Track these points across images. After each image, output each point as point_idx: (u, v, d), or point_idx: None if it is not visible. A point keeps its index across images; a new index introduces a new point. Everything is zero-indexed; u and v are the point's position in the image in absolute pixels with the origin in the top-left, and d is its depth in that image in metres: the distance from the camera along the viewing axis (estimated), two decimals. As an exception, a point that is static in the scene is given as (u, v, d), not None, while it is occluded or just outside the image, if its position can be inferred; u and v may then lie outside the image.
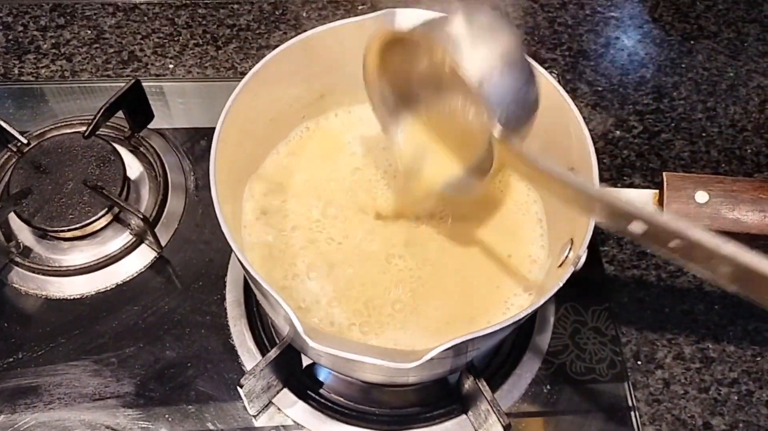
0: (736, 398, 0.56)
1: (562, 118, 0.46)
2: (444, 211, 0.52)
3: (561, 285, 0.39)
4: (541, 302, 0.39)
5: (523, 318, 0.38)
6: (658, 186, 0.42)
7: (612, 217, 0.36)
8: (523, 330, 0.57)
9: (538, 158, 0.39)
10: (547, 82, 0.46)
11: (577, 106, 0.69)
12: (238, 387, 0.48)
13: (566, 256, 0.43)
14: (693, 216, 0.40)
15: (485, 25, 0.39)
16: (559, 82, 0.70)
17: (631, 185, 0.65)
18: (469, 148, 0.44)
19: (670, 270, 0.61)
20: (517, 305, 0.49)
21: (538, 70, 0.47)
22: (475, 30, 0.39)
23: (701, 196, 0.40)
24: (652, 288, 0.61)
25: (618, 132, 0.68)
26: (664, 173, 0.41)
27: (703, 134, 0.69)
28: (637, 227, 0.34)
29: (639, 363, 0.57)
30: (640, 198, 0.42)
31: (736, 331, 0.59)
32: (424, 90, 0.46)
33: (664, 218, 0.33)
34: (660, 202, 0.41)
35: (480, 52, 0.38)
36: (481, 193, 0.52)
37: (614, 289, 0.60)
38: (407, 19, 0.48)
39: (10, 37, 0.71)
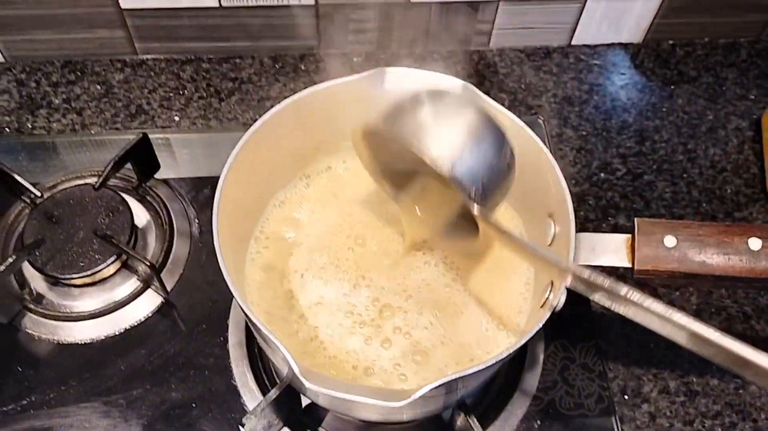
0: (720, 430, 0.58)
1: (541, 167, 0.49)
2: (435, 256, 0.55)
3: (540, 326, 0.42)
4: (522, 342, 0.41)
5: (505, 357, 0.41)
6: (632, 230, 0.45)
7: (581, 284, 0.40)
8: (514, 368, 0.60)
9: (513, 233, 0.42)
10: (525, 133, 0.50)
11: (563, 149, 0.73)
12: (240, 427, 0.50)
13: (547, 298, 0.46)
14: (662, 259, 0.42)
15: (448, 109, 0.42)
16: (545, 127, 0.74)
17: (615, 225, 0.68)
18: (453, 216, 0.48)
19: (654, 307, 0.64)
20: (505, 344, 0.51)
21: (524, 128, 0.50)
22: (439, 117, 0.42)
23: (670, 241, 0.43)
24: (638, 325, 0.63)
25: (602, 174, 0.72)
26: (636, 219, 0.44)
27: (684, 175, 0.72)
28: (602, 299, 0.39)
29: (626, 397, 0.59)
30: (614, 242, 0.45)
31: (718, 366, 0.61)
32: (410, 167, 0.49)
33: (624, 291, 0.38)
34: (632, 246, 0.44)
35: (445, 138, 0.41)
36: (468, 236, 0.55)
37: (601, 327, 0.63)
38: (396, 78, 0.52)
39: (24, 93, 0.75)
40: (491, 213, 0.44)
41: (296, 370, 0.38)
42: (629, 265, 0.44)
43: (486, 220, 0.42)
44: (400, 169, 0.51)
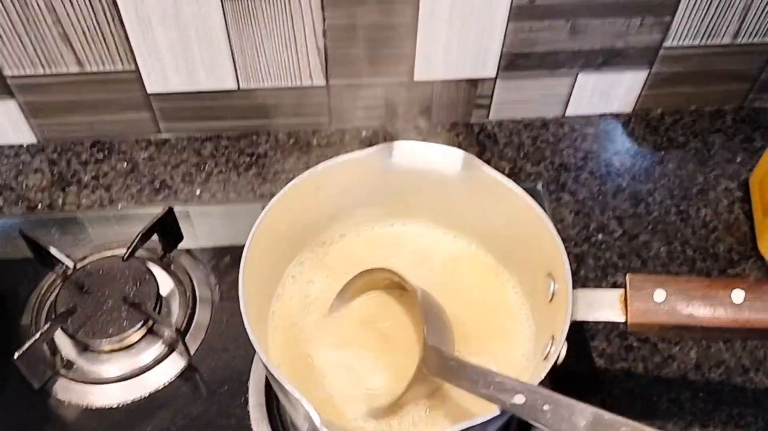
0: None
1: (539, 230, 0.53)
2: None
3: (542, 377, 0.45)
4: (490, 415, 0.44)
5: (500, 415, 0.44)
6: (624, 286, 0.48)
7: (501, 393, 0.44)
8: (522, 424, 0.62)
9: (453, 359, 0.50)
10: (524, 201, 0.54)
11: (561, 213, 0.77)
12: (263, 483, 0.53)
13: (549, 351, 0.49)
14: (653, 312, 0.46)
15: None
16: (543, 192, 0.78)
17: (615, 283, 0.72)
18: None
19: (656, 362, 0.67)
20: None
21: (521, 193, 0.55)
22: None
23: (659, 295, 0.46)
24: (640, 379, 0.66)
25: (600, 236, 0.76)
26: (627, 275, 0.48)
27: (678, 235, 0.76)
28: (518, 399, 0.43)
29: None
30: (609, 297, 0.49)
31: (721, 416, 0.63)
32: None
33: (536, 390, 0.43)
34: (625, 300, 0.47)
35: None
36: (472, 294, 0.60)
37: (605, 381, 0.65)
38: (403, 150, 0.57)
39: (55, 172, 0.81)
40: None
41: (316, 419, 0.41)
42: (623, 319, 0.47)
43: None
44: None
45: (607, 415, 0.40)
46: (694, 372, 0.66)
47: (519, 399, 0.43)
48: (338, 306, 0.59)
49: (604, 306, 0.48)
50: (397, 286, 0.58)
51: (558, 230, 0.75)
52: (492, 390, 0.44)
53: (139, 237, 0.67)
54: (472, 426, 0.43)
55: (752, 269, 0.74)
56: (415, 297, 0.52)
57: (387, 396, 0.53)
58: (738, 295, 0.45)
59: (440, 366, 0.49)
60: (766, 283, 0.45)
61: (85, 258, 0.71)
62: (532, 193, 0.78)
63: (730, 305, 0.45)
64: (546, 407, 0.42)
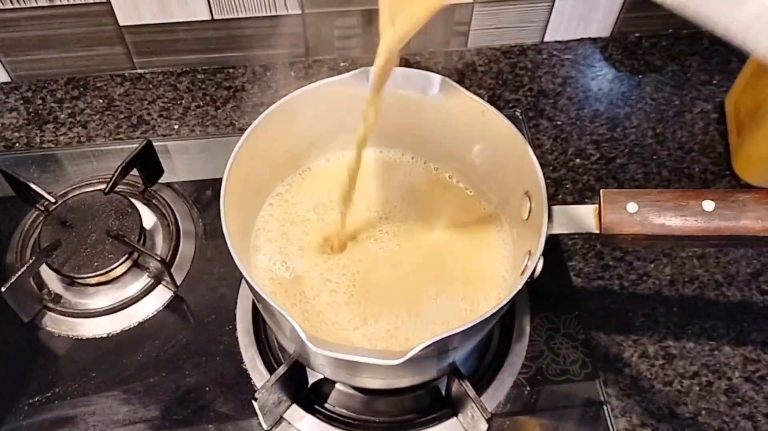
0: (697, 389, 0.63)
1: (516, 150, 0.54)
2: (419, 231, 0.60)
3: (519, 288, 0.46)
4: (502, 304, 0.46)
5: (487, 318, 0.45)
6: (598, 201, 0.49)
7: None
8: (503, 340, 0.64)
9: None
10: (505, 124, 0.54)
11: (540, 139, 0.78)
12: (253, 401, 0.54)
13: (525, 265, 0.50)
14: (626, 223, 0.47)
15: None
16: (522, 119, 0.79)
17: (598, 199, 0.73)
18: None
19: (631, 279, 0.69)
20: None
21: (497, 114, 0.55)
22: None
23: (632, 207, 0.47)
24: (616, 295, 0.68)
25: (578, 160, 0.77)
26: (601, 190, 0.49)
27: (654, 157, 0.77)
28: None
29: (608, 362, 0.64)
30: (583, 212, 0.50)
31: (694, 329, 0.66)
32: None
33: None
34: (599, 214, 0.48)
35: None
36: (455, 216, 0.60)
37: (582, 299, 0.67)
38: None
39: (31, 110, 0.80)
40: None
41: (302, 335, 0.42)
42: (597, 231, 0.49)
43: None
44: None
45: None
46: (668, 287, 0.68)
47: None
48: None
49: (579, 219, 0.50)
50: None
51: (537, 155, 0.76)
52: None
53: (119, 170, 0.67)
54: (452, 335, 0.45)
55: (726, 187, 0.75)
56: None
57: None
58: (708, 205, 0.46)
59: None
60: (735, 192, 0.47)
61: (66, 194, 0.71)
62: (512, 119, 0.78)
63: (701, 214, 0.46)
64: None
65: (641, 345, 0.65)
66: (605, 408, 0.61)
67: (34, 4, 0.73)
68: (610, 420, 0.61)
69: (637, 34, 0.87)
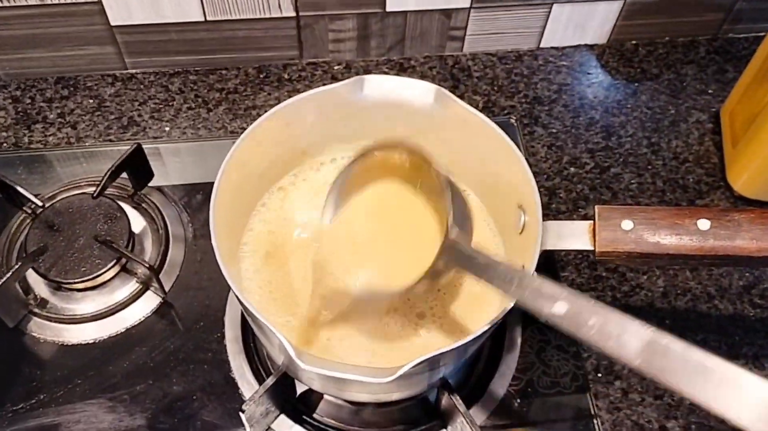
0: (688, 402, 0.63)
1: (510, 162, 0.53)
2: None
3: (511, 305, 0.46)
4: (494, 322, 0.45)
5: (478, 335, 0.45)
6: (593, 217, 0.49)
7: (539, 299, 0.40)
8: (494, 351, 0.64)
9: (479, 255, 0.46)
10: (500, 136, 0.54)
11: (534, 147, 0.78)
12: (240, 413, 0.54)
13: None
14: (620, 241, 0.47)
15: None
16: (517, 126, 0.78)
17: (586, 215, 0.73)
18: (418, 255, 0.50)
19: (624, 290, 0.68)
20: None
21: (492, 126, 0.54)
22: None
23: (627, 224, 0.47)
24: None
25: (572, 168, 0.76)
26: (596, 206, 0.49)
27: (649, 167, 0.77)
28: (559, 308, 0.38)
29: (599, 375, 0.64)
30: (578, 228, 0.49)
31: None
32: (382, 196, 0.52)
33: (581, 300, 0.38)
34: (594, 230, 0.48)
35: None
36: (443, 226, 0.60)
37: (574, 310, 0.67)
38: (373, 84, 0.56)
39: (19, 109, 0.79)
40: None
41: (291, 351, 0.42)
42: (592, 248, 0.48)
43: (457, 244, 0.47)
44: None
45: (666, 339, 0.35)
46: (661, 300, 0.68)
47: (560, 308, 0.38)
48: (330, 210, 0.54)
49: (574, 236, 0.49)
50: (398, 176, 0.53)
51: (531, 163, 0.76)
52: (528, 294, 0.40)
53: (108, 174, 0.66)
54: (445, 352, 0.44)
55: (720, 199, 0.75)
56: (439, 179, 0.47)
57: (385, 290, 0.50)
58: (704, 224, 0.46)
59: (461, 260, 0.46)
60: (731, 211, 0.46)
61: (54, 197, 0.70)
62: (506, 126, 0.78)
63: (696, 233, 0.46)
64: (592, 321, 0.37)
65: (633, 358, 0.65)
66: (595, 421, 0.61)
67: (24, 3, 0.72)
68: (601, 433, 0.60)
69: (633, 42, 0.87)
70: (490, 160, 0.56)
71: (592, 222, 0.48)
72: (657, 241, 0.46)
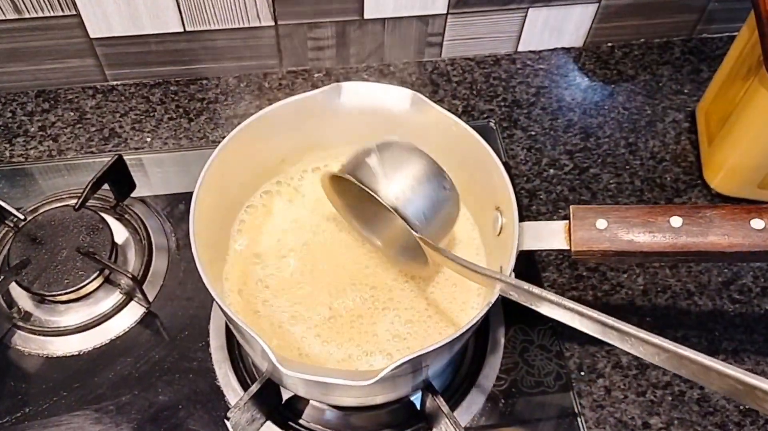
0: (670, 398, 0.63)
1: (488, 166, 0.54)
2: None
3: (489, 306, 0.46)
4: (473, 322, 0.46)
5: (458, 336, 0.45)
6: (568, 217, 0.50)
7: (521, 296, 0.45)
8: (478, 352, 0.64)
9: (449, 254, 0.49)
10: (476, 139, 0.55)
11: (514, 149, 0.78)
12: (226, 420, 0.54)
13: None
14: (595, 240, 0.47)
15: (393, 156, 0.51)
16: (496, 129, 0.79)
17: (566, 216, 0.73)
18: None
19: (604, 289, 0.69)
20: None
21: (468, 130, 0.55)
22: (386, 163, 0.50)
23: (601, 223, 0.48)
24: (590, 306, 0.68)
25: (552, 170, 0.77)
26: (570, 206, 0.49)
27: (627, 167, 0.78)
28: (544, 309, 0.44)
29: (582, 373, 0.64)
30: (554, 228, 0.50)
31: (666, 339, 0.66)
32: (368, 205, 0.55)
33: (567, 303, 0.43)
34: (569, 230, 0.49)
35: (391, 181, 0.50)
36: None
37: (556, 310, 0.67)
38: (351, 91, 0.57)
39: (0, 124, 0.79)
40: (435, 238, 0.51)
41: (272, 357, 0.42)
42: (567, 247, 0.49)
43: (426, 243, 0.50)
44: (362, 207, 0.58)
45: None
46: (641, 297, 0.69)
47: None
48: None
49: (550, 236, 0.50)
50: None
51: (511, 166, 0.77)
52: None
53: (89, 186, 0.66)
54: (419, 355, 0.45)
55: (698, 197, 0.76)
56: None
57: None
58: (676, 221, 0.47)
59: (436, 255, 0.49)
60: (702, 208, 0.47)
61: (36, 209, 0.70)
62: (486, 130, 0.79)
63: (668, 230, 0.47)
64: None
65: (615, 356, 0.65)
66: (579, 419, 0.62)
67: (2, 17, 0.72)
68: (584, 431, 0.61)
69: (609, 44, 0.88)
70: (467, 164, 0.56)
71: (567, 222, 0.49)
72: (631, 239, 0.47)
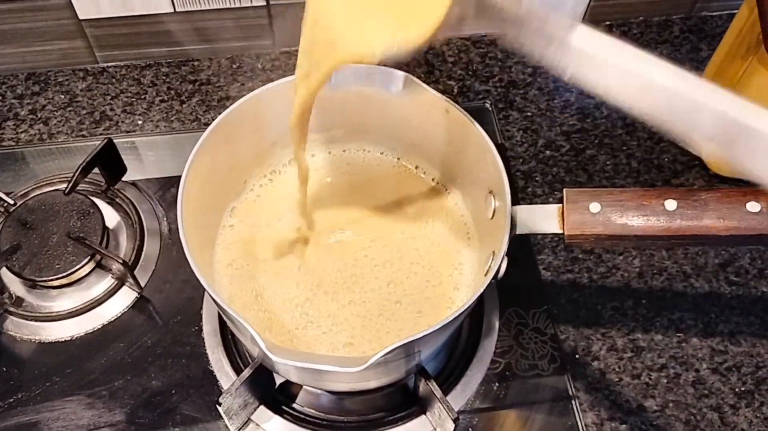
0: (665, 381, 0.63)
1: (480, 149, 0.53)
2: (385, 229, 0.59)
3: (481, 291, 0.46)
4: (465, 307, 0.45)
5: (450, 321, 0.45)
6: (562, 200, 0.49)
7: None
8: (472, 336, 0.64)
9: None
10: (468, 122, 0.54)
11: (510, 131, 0.77)
12: (217, 406, 0.54)
13: (489, 266, 0.50)
14: (589, 223, 0.47)
15: None
16: (492, 110, 0.78)
17: (562, 198, 0.73)
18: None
19: (600, 272, 0.69)
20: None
21: (461, 112, 0.54)
22: None
23: (594, 207, 0.47)
24: (585, 289, 0.68)
25: (548, 152, 0.76)
26: (564, 190, 0.49)
27: (624, 148, 0.77)
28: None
29: (577, 356, 0.64)
30: (547, 211, 0.49)
31: (662, 322, 0.66)
32: None
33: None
34: (563, 214, 0.48)
35: None
36: (416, 213, 0.60)
37: (551, 293, 0.67)
38: (344, 74, 0.56)
39: (-10, 107, 0.78)
40: None
41: (261, 344, 0.42)
42: (561, 231, 0.48)
43: None
44: None
45: None
46: (637, 280, 0.68)
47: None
48: None
49: (544, 220, 0.49)
50: None
51: (506, 147, 0.76)
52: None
53: (79, 170, 0.65)
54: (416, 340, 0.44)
55: (696, 178, 0.75)
56: None
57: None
58: (671, 204, 0.46)
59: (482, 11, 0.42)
60: (697, 191, 0.46)
61: (26, 194, 0.69)
62: (481, 111, 0.78)
63: (663, 213, 0.46)
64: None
65: (610, 339, 0.65)
66: (574, 402, 0.61)
67: (-11, -1, 0.71)
68: (579, 413, 0.61)
69: (607, 23, 0.87)
70: (459, 146, 0.56)
71: (561, 205, 0.48)
72: (625, 223, 0.46)
